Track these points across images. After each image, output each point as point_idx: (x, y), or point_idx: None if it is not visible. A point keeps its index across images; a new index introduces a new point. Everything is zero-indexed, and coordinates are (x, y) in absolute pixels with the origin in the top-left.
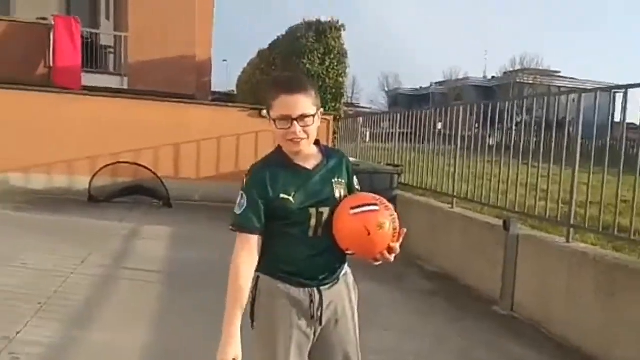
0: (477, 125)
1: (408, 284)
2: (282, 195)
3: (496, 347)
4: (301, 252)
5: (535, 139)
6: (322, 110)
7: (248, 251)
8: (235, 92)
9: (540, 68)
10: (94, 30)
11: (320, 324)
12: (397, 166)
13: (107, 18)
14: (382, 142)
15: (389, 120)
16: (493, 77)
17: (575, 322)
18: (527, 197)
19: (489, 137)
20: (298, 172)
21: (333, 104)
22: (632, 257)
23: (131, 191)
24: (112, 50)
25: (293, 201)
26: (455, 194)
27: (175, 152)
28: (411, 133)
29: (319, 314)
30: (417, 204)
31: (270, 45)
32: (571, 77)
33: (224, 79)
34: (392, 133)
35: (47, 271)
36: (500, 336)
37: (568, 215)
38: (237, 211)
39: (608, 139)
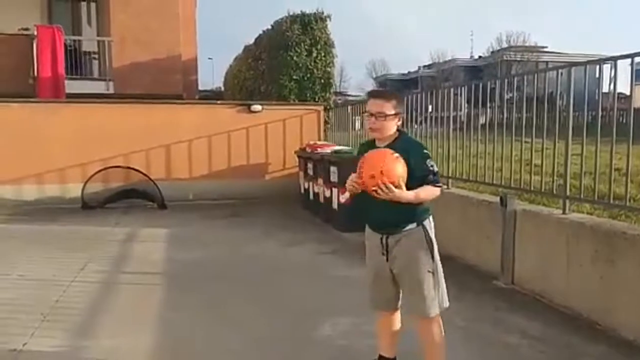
0: (467, 106)
1: None
2: None
3: (500, 321)
4: (371, 206)
5: (526, 115)
6: (401, 116)
7: None
8: (223, 89)
9: (527, 45)
10: (76, 37)
11: (387, 260)
12: None
13: (89, 24)
14: None
15: None
16: (480, 56)
17: (575, 291)
18: (521, 173)
19: (480, 116)
20: (373, 147)
21: (322, 94)
22: (628, 223)
23: (124, 195)
24: (95, 56)
25: None
26: (450, 174)
27: (167, 153)
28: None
29: (386, 254)
30: None
31: (255, 40)
32: (558, 51)
33: (210, 77)
34: None
35: (47, 281)
36: (503, 310)
37: (563, 187)
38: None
39: (599, 110)
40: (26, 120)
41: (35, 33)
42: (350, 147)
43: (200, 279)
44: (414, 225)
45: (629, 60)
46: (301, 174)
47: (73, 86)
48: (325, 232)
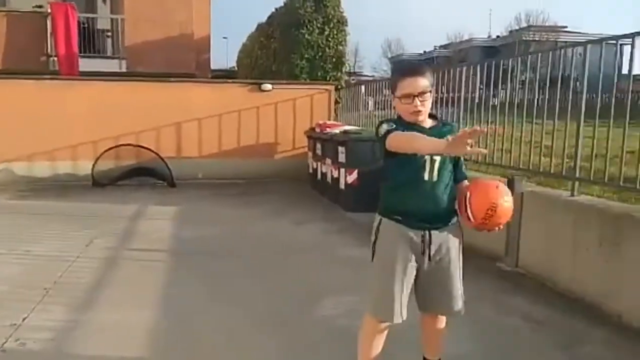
0: (481, 86)
1: None
2: None
3: (502, 303)
4: (417, 194)
5: (540, 96)
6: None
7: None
8: (236, 68)
9: (547, 24)
10: (90, 15)
11: (429, 259)
12: None
13: (104, 1)
14: (385, 109)
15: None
16: (498, 36)
17: (581, 275)
18: (531, 154)
19: (493, 97)
20: (418, 128)
21: (334, 73)
22: (638, 206)
23: (134, 173)
24: (109, 34)
25: None
26: None
27: (177, 132)
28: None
29: (428, 251)
30: None
31: (268, 18)
32: (578, 31)
33: (224, 57)
34: None
35: (53, 257)
36: (506, 292)
37: (573, 168)
38: (387, 128)
39: (614, 91)
40: (38, 97)
41: (49, 10)
42: (359, 127)
43: (205, 257)
44: (455, 218)
45: None
46: (310, 154)
47: (86, 64)
48: (332, 212)
